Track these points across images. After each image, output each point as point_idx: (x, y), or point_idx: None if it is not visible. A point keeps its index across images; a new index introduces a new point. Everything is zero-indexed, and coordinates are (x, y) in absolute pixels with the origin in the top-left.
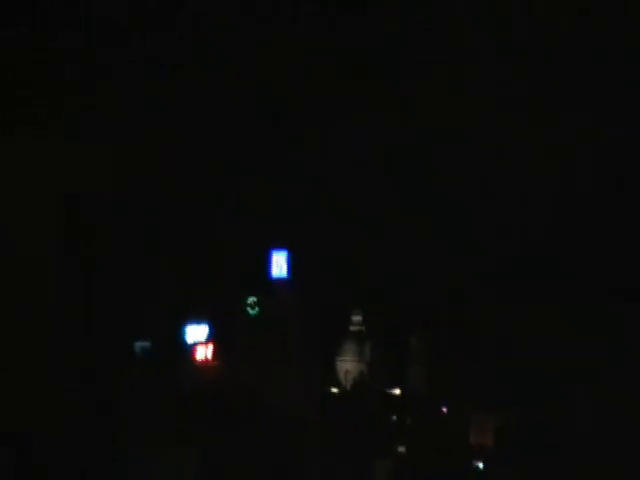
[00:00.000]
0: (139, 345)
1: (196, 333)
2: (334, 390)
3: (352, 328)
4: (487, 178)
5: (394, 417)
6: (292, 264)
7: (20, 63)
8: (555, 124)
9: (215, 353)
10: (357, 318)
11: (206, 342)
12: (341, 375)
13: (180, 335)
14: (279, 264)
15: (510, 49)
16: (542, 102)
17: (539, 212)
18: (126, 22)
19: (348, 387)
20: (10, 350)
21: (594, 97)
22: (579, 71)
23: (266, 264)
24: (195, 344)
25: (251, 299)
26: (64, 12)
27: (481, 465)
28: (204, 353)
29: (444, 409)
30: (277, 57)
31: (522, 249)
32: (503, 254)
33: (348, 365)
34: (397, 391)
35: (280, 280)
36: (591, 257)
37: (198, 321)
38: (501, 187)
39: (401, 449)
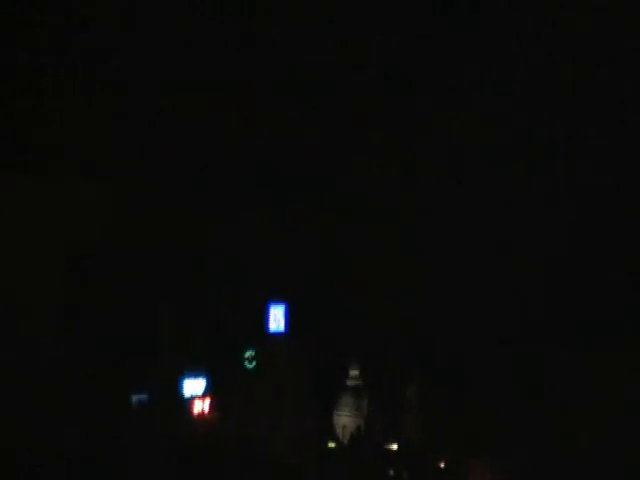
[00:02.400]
0: (136, 398)
1: (193, 386)
2: (331, 445)
3: (349, 382)
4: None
5: (391, 472)
6: (290, 318)
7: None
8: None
9: (212, 406)
10: (354, 372)
11: (203, 395)
12: (338, 429)
13: (177, 388)
14: (277, 318)
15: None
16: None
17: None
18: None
19: (345, 442)
20: (10, 404)
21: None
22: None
23: (264, 318)
24: (192, 397)
25: (248, 353)
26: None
27: None
28: (201, 406)
29: (441, 463)
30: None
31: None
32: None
33: (345, 419)
34: (394, 446)
35: (277, 334)
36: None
37: (196, 374)
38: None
39: None
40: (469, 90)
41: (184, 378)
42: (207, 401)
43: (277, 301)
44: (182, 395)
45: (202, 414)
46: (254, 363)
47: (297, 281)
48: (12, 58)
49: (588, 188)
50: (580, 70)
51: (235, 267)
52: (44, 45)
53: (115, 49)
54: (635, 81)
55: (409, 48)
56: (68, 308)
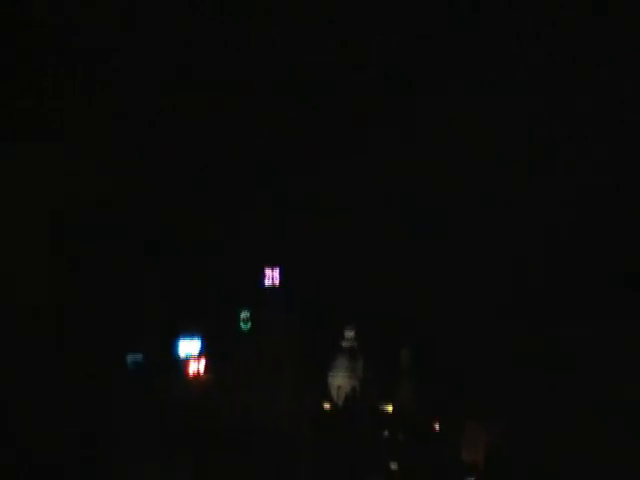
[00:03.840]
0: (131, 357)
1: (188, 347)
2: (326, 405)
3: (344, 344)
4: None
5: (386, 433)
6: (285, 279)
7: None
8: None
9: (207, 367)
10: (350, 334)
11: (198, 356)
12: (333, 390)
13: (172, 349)
14: (272, 277)
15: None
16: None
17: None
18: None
19: (340, 403)
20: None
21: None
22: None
23: (260, 279)
24: (187, 358)
25: (244, 313)
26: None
27: None
28: (196, 367)
29: (436, 425)
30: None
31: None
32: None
33: (340, 380)
34: (389, 407)
35: (273, 293)
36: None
37: (191, 335)
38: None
39: (393, 466)
40: (469, 90)
41: (179, 338)
42: (202, 362)
43: (272, 263)
44: (177, 355)
45: (197, 375)
46: (249, 324)
47: (292, 244)
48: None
49: (588, 186)
50: (580, 70)
51: (230, 230)
52: (44, 45)
53: (115, 49)
54: (635, 81)
55: (409, 48)
56: (57, 273)
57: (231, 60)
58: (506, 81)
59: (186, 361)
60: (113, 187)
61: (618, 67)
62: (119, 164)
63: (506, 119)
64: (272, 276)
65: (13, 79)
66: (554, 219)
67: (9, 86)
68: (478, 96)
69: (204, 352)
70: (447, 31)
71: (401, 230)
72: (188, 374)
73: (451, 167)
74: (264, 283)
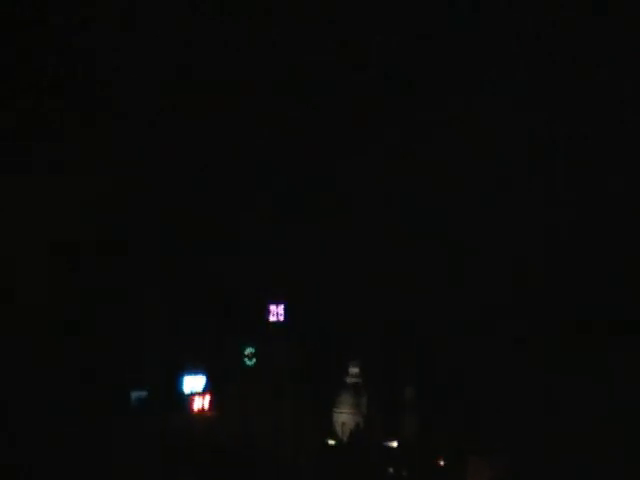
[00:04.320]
0: (135, 394)
1: (193, 383)
2: (331, 442)
3: (349, 380)
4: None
5: (391, 470)
6: (290, 316)
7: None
8: None
9: (212, 403)
10: (354, 370)
11: (203, 392)
12: (338, 427)
13: (177, 385)
14: (276, 313)
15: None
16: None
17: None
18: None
19: (344, 439)
20: (9, 394)
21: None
22: None
23: (264, 315)
24: (192, 394)
25: (248, 350)
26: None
27: None
28: (201, 403)
29: (440, 461)
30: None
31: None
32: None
33: (345, 417)
34: (394, 443)
35: (277, 329)
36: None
37: (195, 371)
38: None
39: None
40: (469, 90)
41: (184, 375)
42: (207, 398)
43: (277, 300)
44: (182, 392)
45: (202, 411)
46: (254, 360)
47: (296, 281)
48: (11, 58)
49: (588, 186)
50: (580, 70)
51: (235, 267)
52: (45, 45)
53: (115, 49)
54: (635, 81)
55: (409, 48)
56: (61, 308)
57: (231, 60)
58: (506, 81)
59: (191, 397)
60: (113, 188)
61: (618, 67)
62: (119, 164)
63: (506, 119)
64: (277, 312)
65: (13, 79)
66: (554, 219)
67: (9, 86)
68: (478, 96)
69: (209, 388)
70: (447, 31)
71: (401, 231)
72: (193, 410)
73: (451, 167)
74: (268, 319)
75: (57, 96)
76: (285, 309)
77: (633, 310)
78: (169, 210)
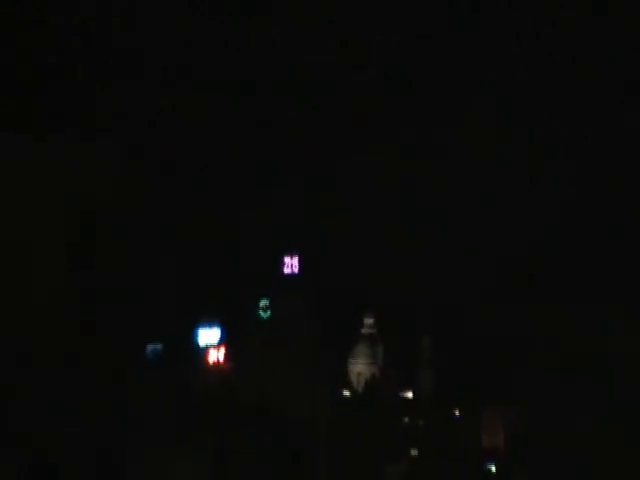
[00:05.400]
0: (150, 347)
1: (208, 336)
2: (346, 393)
3: (364, 331)
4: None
5: (406, 420)
6: (304, 267)
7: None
8: None
9: (227, 356)
10: (369, 321)
11: (218, 345)
12: (353, 377)
13: (192, 338)
14: (291, 265)
15: None
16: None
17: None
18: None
19: (360, 390)
20: (20, 352)
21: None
22: None
23: (279, 267)
24: (207, 347)
25: (263, 302)
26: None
27: (493, 467)
28: (216, 356)
29: (456, 411)
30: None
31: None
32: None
33: (360, 367)
34: (409, 394)
35: (291, 280)
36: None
37: (210, 324)
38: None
39: (413, 452)
40: (469, 90)
41: (198, 327)
42: (222, 350)
43: (291, 252)
44: (197, 344)
45: (217, 364)
46: (269, 312)
47: (311, 233)
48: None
49: (588, 186)
50: (580, 70)
51: (250, 219)
52: (44, 45)
53: (115, 49)
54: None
55: (409, 48)
56: (75, 259)
57: (231, 60)
58: (506, 81)
59: (206, 350)
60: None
61: (618, 67)
62: (119, 164)
63: (506, 119)
64: (291, 264)
65: (13, 79)
66: (554, 219)
67: (9, 87)
68: (478, 96)
69: (224, 340)
70: (447, 31)
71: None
72: (208, 363)
73: (451, 167)
74: (283, 271)
75: (57, 96)
76: (299, 261)
77: None
78: (182, 168)
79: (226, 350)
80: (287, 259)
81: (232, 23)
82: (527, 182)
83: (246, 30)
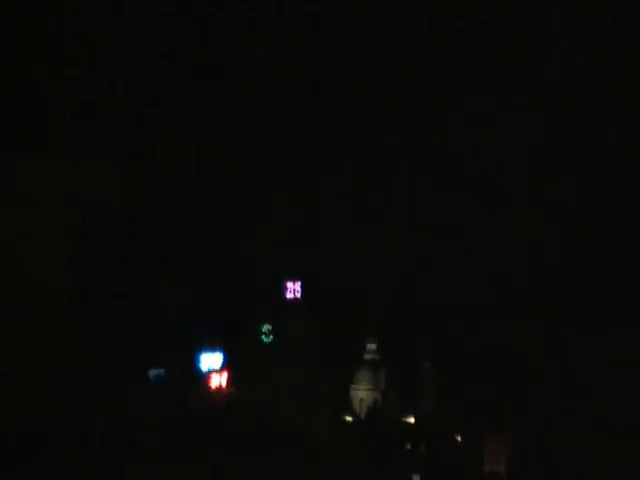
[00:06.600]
0: (153, 372)
1: (211, 361)
2: (348, 418)
3: (366, 356)
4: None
5: (408, 445)
6: (306, 292)
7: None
8: None
9: (229, 380)
10: (371, 346)
11: (220, 369)
12: (355, 403)
13: (195, 363)
14: (293, 290)
15: None
16: None
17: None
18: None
19: (362, 415)
20: (28, 382)
21: None
22: None
23: (281, 292)
24: (209, 371)
25: (266, 327)
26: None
27: None
28: (218, 380)
29: (458, 437)
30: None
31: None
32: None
33: (362, 393)
34: (411, 419)
35: (294, 306)
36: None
37: (213, 349)
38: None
39: (415, 478)
40: (469, 90)
41: (201, 352)
42: (224, 375)
43: (294, 277)
44: (199, 369)
45: (219, 388)
46: (271, 337)
47: (313, 258)
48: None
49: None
50: (580, 70)
51: (252, 245)
52: (45, 46)
53: (115, 48)
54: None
55: (409, 48)
56: (80, 286)
57: (231, 60)
58: (506, 82)
59: (208, 374)
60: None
61: (618, 67)
62: (119, 165)
63: (507, 120)
64: (294, 289)
65: (13, 81)
66: (555, 219)
67: (9, 88)
68: (478, 96)
69: (226, 365)
70: (447, 31)
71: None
72: (210, 387)
73: (451, 166)
74: (286, 296)
75: (57, 97)
76: (302, 286)
77: None
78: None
79: (228, 374)
80: (290, 284)
81: (232, 23)
82: (527, 182)
83: (246, 31)
